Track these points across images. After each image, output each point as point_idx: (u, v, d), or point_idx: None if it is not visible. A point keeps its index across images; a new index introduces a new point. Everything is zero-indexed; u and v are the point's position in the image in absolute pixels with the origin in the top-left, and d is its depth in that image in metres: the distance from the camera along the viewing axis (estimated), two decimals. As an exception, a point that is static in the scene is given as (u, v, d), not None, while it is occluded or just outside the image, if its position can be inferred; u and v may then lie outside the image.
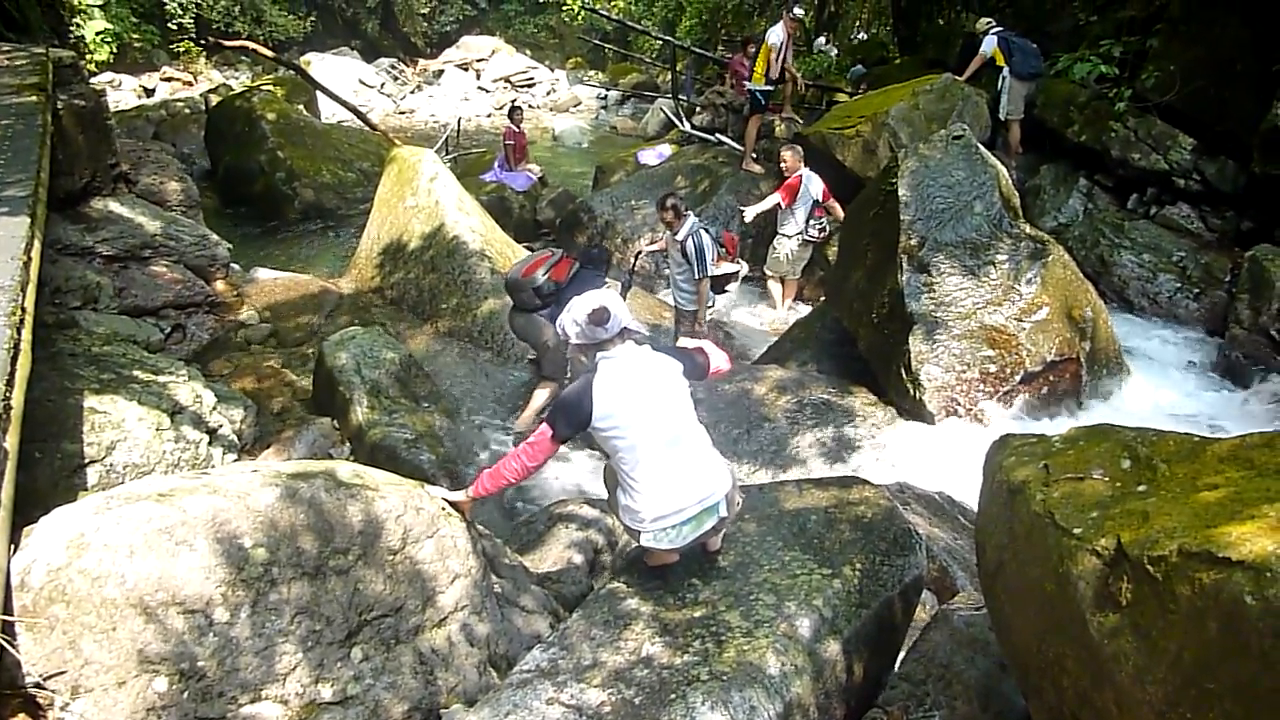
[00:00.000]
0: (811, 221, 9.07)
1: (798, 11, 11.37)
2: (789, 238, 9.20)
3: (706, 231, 7.33)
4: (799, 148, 9.27)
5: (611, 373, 3.38)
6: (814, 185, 8.96)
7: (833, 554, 3.46)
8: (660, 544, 3.40)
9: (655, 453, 3.35)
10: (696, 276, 7.35)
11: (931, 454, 5.91)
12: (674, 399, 3.46)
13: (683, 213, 7.36)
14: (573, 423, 3.38)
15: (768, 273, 9.59)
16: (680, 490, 3.36)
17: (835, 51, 18.44)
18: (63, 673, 2.48)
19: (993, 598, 2.99)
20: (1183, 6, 9.23)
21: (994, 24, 10.62)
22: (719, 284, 7.59)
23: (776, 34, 10.74)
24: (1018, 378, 6.11)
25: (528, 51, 33.94)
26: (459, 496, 3.60)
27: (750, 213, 9.31)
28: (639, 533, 3.41)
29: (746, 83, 11.56)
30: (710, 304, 7.69)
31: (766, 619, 3.11)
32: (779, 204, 9.06)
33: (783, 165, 9.16)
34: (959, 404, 6.08)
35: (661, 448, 3.36)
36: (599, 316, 3.38)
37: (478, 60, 30.74)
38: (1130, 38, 9.71)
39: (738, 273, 7.69)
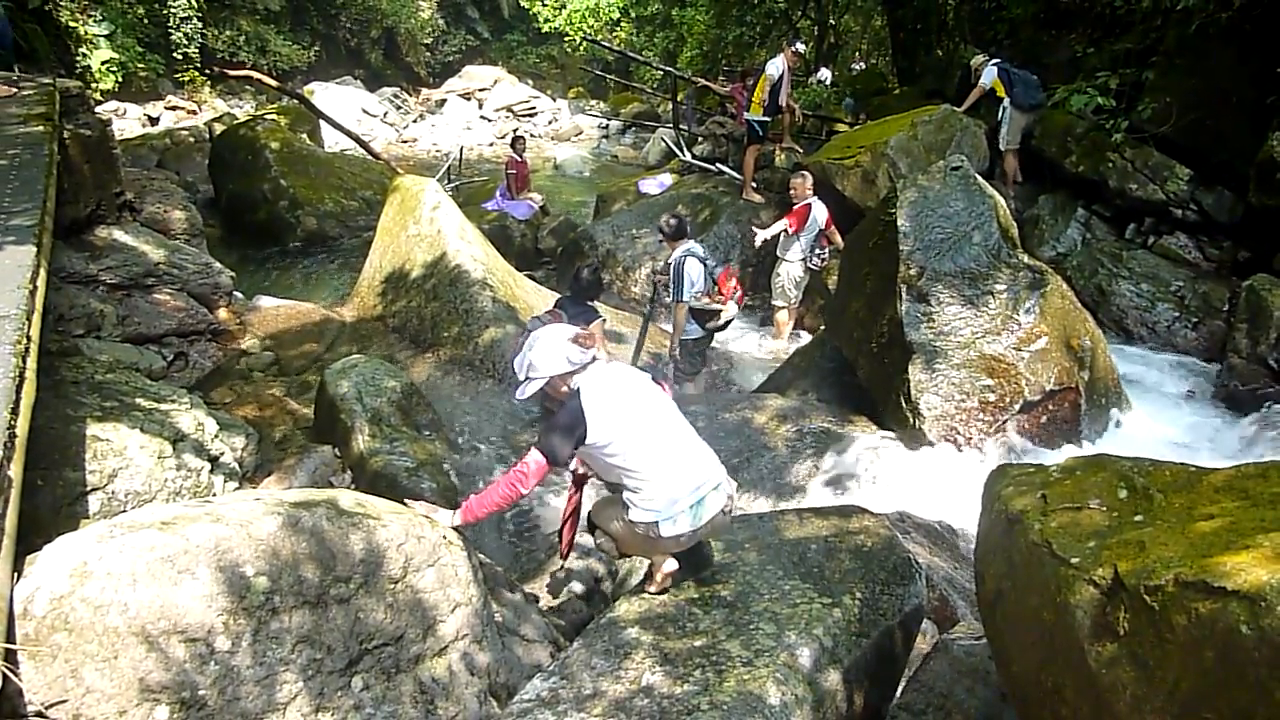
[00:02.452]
0: (815, 250, 9.11)
1: (799, 47, 11.53)
2: (792, 263, 9.23)
3: (703, 262, 7.30)
4: (808, 175, 9.27)
5: (596, 390, 3.51)
6: (820, 213, 9.01)
7: (833, 583, 3.47)
8: (681, 528, 3.49)
9: (658, 444, 3.51)
10: (672, 300, 7.38)
11: (931, 483, 5.90)
12: (657, 397, 3.68)
13: (680, 232, 7.43)
14: (566, 447, 3.49)
15: (775, 303, 9.61)
16: (690, 470, 3.53)
17: (830, 80, 18.58)
18: (64, 701, 2.49)
19: (992, 627, 2.99)
20: (1178, 39, 9.30)
21: (991, 57, 10.73)
22: (701, 318, 7.49)
23: (776, 66, 10.85)
24: (1017, 407, 6.12)
25: (530, 81, 34.25)
26: (445, 519, 3.62)
27: (760, 237, 9.32)
28: (658, 523, 3.49)
29: (745, 113, 11.66)
30: (697, 335, 7.63)
31: (767, 648, 3.11)
32: (786, 230, 9.09)
33: (792, 192, 9.19)
34: (958, 433, 6.09)
35: (663, 439, 3.54)
36: (588, 340, 3.58)
37: (480, 90, 31.02)
38: (1126, 70, 9.79)
39: (719, 312, 7.44)
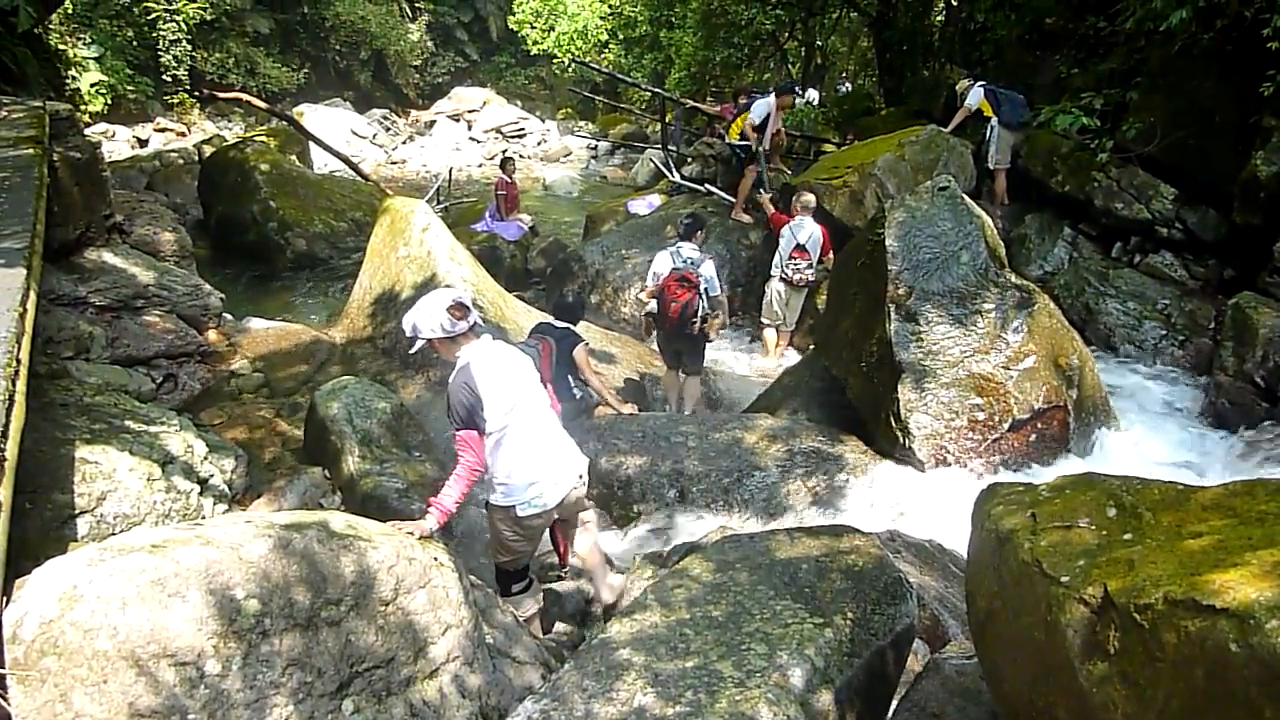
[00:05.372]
0: (788, 263, 9.13)
1: (797, 100, 12.17)
2: (773, 278, 9.33)
3: (675, 256, 7.60)
4: (806, 199, 9.29)
5: (482, 361, 3.94)
6: (801, 232, 9.04)
7: (824, 603, 3.46)
8: (534, 510, 4.05)
9: (526, 429, 4.00)
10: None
11: (921, 502, 5.92)
12: (533, 383, 4.16)
13: (683, 233, 7.83)
14: (478, 411, 3.89)
15: (761, 320, 9.66)
16: (548, 460, 4.08)
17: (817, 99, 18.71)
18: (53, 726, 2.47)
19: (984, 646, 2.99)
20: (1161, 60, 9.40)
21: (975, 80, 10.86)
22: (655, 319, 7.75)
23: (760, 110, 10.76)
24: (1006, 425, 6.14)
25: (519, 102, 34.28)
26: (424, 527, 3.68)
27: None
28: (512, 506, 4.03)
29: (723, 135, 11.76)
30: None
31: (759, 669, 3.10)
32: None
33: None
34: (948, 452, 6.10)
35: (530, 425, 4.03)
36: (459, 312, 3.93)
37: (469, 111, 31.03)
38: (1111, 90, 9.88)
39: (658, 316, 7.76)
